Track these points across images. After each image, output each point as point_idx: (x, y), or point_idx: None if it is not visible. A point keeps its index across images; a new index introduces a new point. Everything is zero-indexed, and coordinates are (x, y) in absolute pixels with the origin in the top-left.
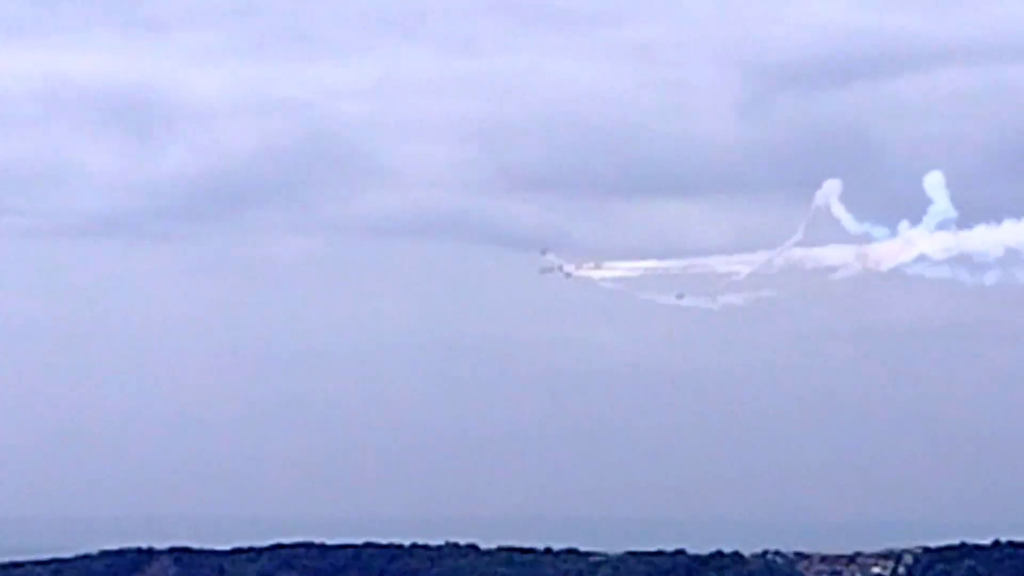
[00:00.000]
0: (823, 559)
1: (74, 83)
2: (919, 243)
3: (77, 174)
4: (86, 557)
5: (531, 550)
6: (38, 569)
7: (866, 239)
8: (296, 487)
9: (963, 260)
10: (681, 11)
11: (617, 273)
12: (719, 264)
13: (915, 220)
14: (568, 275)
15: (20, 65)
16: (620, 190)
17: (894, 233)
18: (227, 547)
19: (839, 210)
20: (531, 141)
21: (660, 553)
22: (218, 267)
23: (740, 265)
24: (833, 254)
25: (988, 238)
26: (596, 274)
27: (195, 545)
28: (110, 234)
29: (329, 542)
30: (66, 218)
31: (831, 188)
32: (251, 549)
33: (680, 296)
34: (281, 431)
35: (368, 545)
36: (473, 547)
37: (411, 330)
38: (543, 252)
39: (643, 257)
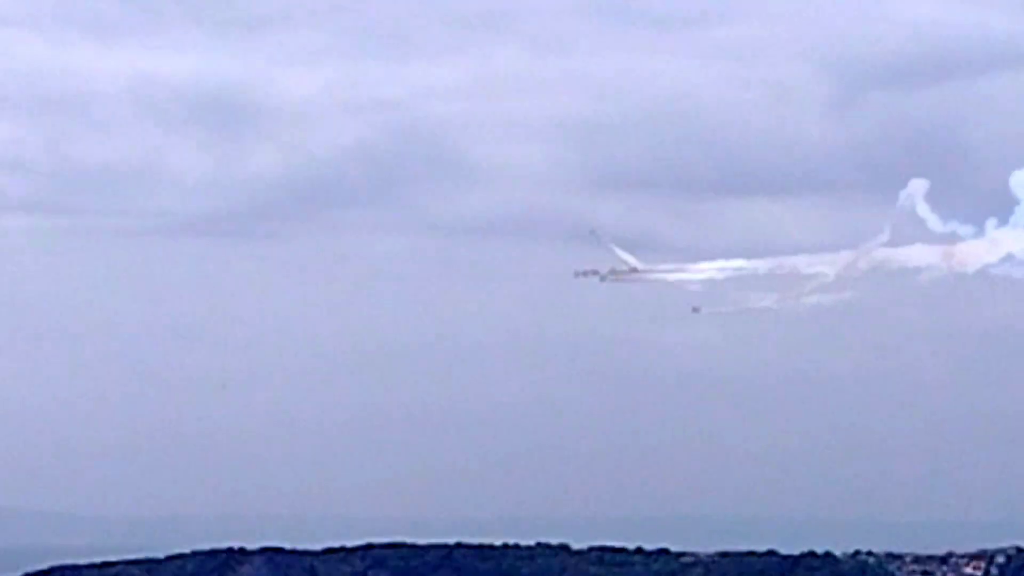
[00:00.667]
0: (915, 559)
1: (166, 84)
2: (1006, 242)
3: (169, 174)
4: (178, 557)
5: (622, 550)
6: (131, 568)
7: (952, 239)
8: (388, 487)
9: None
10: (774, 11)
11: (704, 275)
12: (804, 264)
13: (1003, 219)
14: (603, 278)
15: (112, 66)
16: (712, 189)
17: (981, 232)
18: (318, 547)
19: (924, 210)
20: (624, 140)
21: (751, 554)
22: (309, 265)
23: (825, 265)
24: (919, 254)
25: None
26: (674, 276)
27: (287, 545)
28: (203, 233)
29: (420, 542)
30: (158, 218)
31: (916, 187)
32: (342, 549)
33: (696, 309)
34: (372, 431)
35: (459, 545)
36: (564, 547)
37: (502, 330)
38: (592, 232)
39: (732, 256)
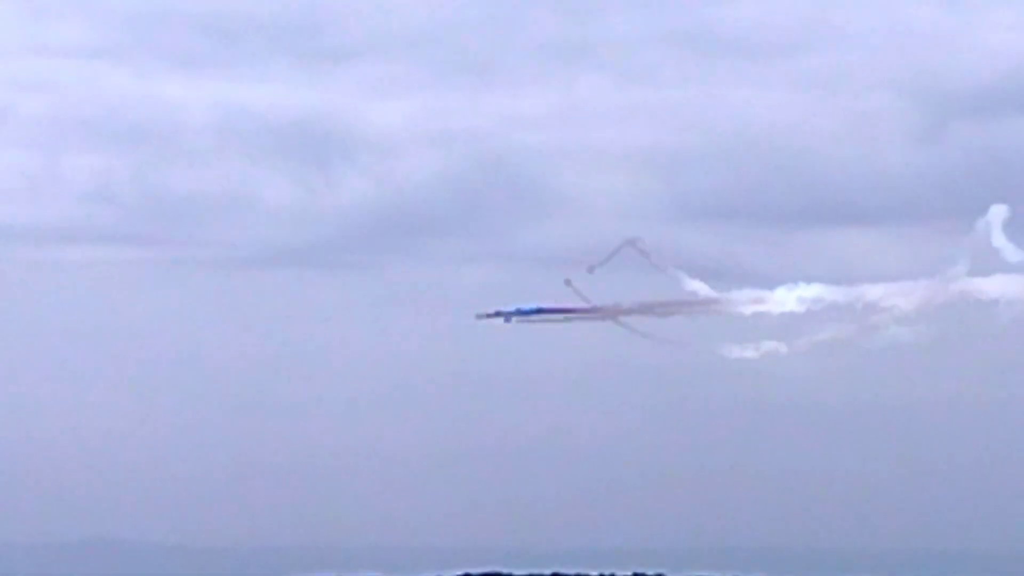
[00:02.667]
0: None
1: (252, 114)
2: None
3: (255, 205)
4: None
5: None
6: None
7: None
8: (483, 516)
9: None
10: (857, 40)
11: (783, 305)
12: (883, 294)
13: None
14: (507, 320)
15: (198, 96)
16: (796, 218)
17: None
18: None
19: (1000, 240)
20: (707, 170)
21: None
22: (396, 295)
23: (904, 295)
24: (997, 285)
25: None
26: (751, 307)
27: (383, 575)
28: (289, 264)
29: (517, 572)
30: (245, 249)
31: (995, 217)
32: None
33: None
34: (467, 461)
35: (555, 575)
36: None
37: (591, 359)
38: (629, 242)
39: (812, 283)
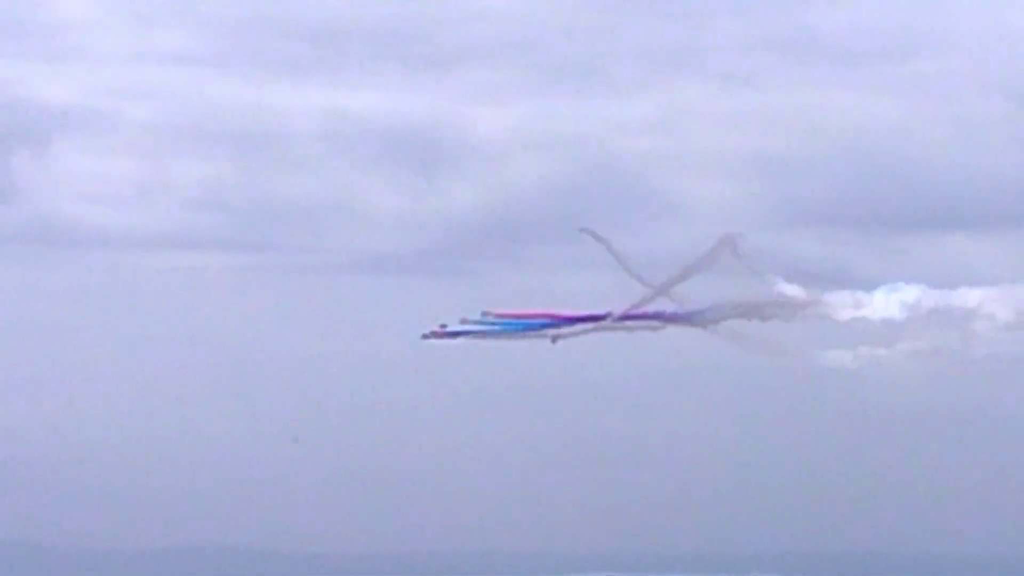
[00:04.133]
0: None
1: (357, 121)
2: None
3: (361, 211)
4: None
5: None
6: None
7: None
8: (595, 521)
9: None
10: (962, 45)
11: (881, 310)
12: (985, 299)
13: None
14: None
15: (303, 103)
16: (902, 224)
17: None
18: None
19: None
20: (813, 175)
21: None
22: (503, 302)
23: (1007, 302)
24: None
25: None
26: (848, 311)
27: None
28: (395, 271)
29: None
30: (351, 255)
31: None
32: None
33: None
34: (578, 466)
35: None
36: None
37: (698, 363)
38: (582, 230)
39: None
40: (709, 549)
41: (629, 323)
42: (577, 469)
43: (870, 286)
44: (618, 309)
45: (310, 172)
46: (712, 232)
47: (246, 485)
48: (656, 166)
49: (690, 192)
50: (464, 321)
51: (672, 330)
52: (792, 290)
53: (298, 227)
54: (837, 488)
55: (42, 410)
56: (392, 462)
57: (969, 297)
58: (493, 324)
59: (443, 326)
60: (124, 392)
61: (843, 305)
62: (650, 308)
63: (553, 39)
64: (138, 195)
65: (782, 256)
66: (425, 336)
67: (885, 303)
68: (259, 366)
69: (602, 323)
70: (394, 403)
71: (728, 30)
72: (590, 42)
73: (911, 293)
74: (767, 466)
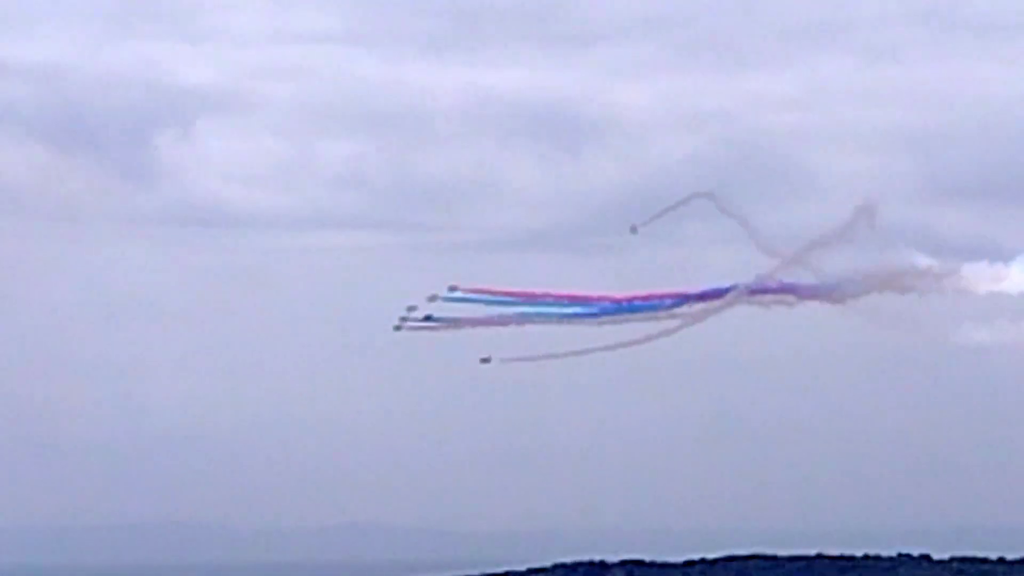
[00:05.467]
0: None
1: (499, 98)
2: None
3: (504, 189)
4: (540, 571)
5: (984, 560)
6: None
7: None
8: (749, 498)
9: None
10: None
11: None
12: None
13: None
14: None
15: (445, 81)
16: None
17: None
18: (679, 559)
19: None
20: (957, 149)
21: None
22: (645, 279)
23: None
24: None
25: None
26: (987, 287)
27: (648, 558)
28: (539, 248)
29: (781, 553)
30: (494, 232)
31: None
32: (703, 561)
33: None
34: (729, 442)
35: (820, 556)
36: (926, 557)
37: (839, 339)
38: (632, 230)
39: None
40: (851, 525)
41: (762, 297)
42: (717, 447)
43: (1011, 259)
44: (746, 281)
45: (452, 150)
46: (855, 206)
47: (400, 464)
48: (797, 141)
49: (831, 167)
50: (433, 298)
51: (808, 306)
52: (928, 262)
53: (440, 205)
54: (976, 464)
55: (194, 390)
56: (539, 441)
57: None
58: (553, 306)
59: (411, 308)
60: (267, 372)
61: (981, 278)
62: (785, 281)
63: (694, 15)
64: (280, 175)
65: (922, 229)
66: (398, 327)
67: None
68: (404, 346)
69: (730, 296)
70: (538, 383)
71: (870, 4)
72: (733, 18)
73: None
74: (904, 443)
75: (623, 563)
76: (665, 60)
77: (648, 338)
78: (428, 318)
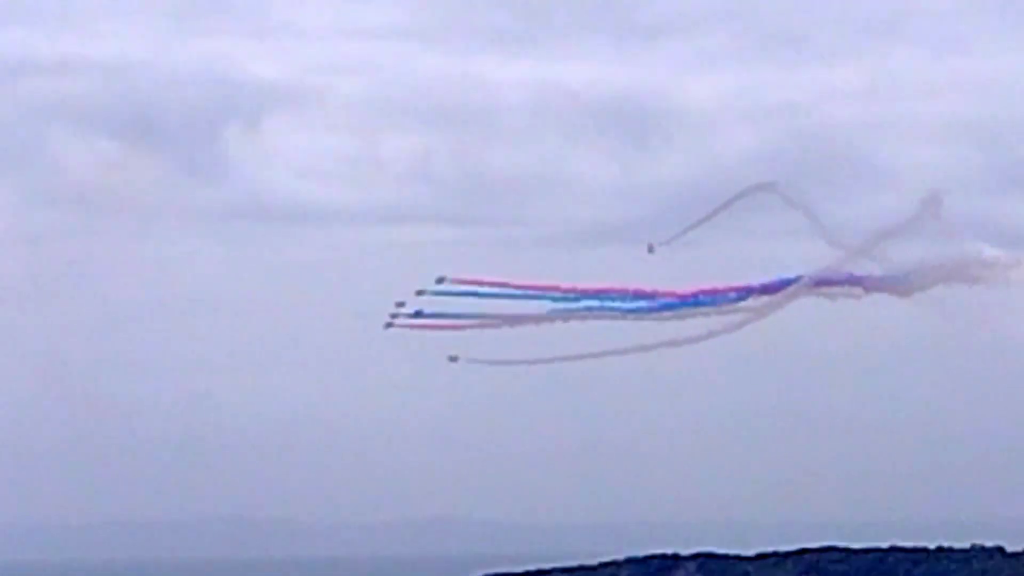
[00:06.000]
0: None
1: (566, 92)
2: None
3: (572, 183)
4: (611, 564)
5: None
6: None
7: None
8: (820, 490)
9: None
10: None
11: None
12: None
13: None
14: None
15: (513, 75)
16: None
17: None
18: (752, 553)
19: None
20: None
21: None
22: (715, 272)
23: None
24: None
25: None
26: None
27: (720, 551)
28: (607, 242)
29: (854, 546)
30: (562, 227)
31: None
32: (775, 554)
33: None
34: (805, 435)
35: (893, 549)
36: (999, 549)
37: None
38: (650, 249)
39: None
40: (924, 517)
41: (828, 289)
42: (788, 440)
43: None
44: (812, 272)
45: (520, 144)
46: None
47: (477, 459)
48: (864, 133)
49: (898, 158)
50: (420, 293)
51: (874, 298)
52: (995, 253)
53: (509, 200)
54: None
55: (263, 385)
56: (611, 436)
57: None
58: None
59: (400, 304)
60: (342, 369)
61: None
62: (852, 272)
63: (761, 8)
64: (349, 170)
65: (989, 220)
66: (389, 324)
67: None
68: (472, 340)
69: (795, 287)
70: (609, 376)
71: None
72: (798, 10)
73: None
74: (975, 435)
75: (695, 556)
76: (732, 53)
77: (711, 334)
78: (418, 313)
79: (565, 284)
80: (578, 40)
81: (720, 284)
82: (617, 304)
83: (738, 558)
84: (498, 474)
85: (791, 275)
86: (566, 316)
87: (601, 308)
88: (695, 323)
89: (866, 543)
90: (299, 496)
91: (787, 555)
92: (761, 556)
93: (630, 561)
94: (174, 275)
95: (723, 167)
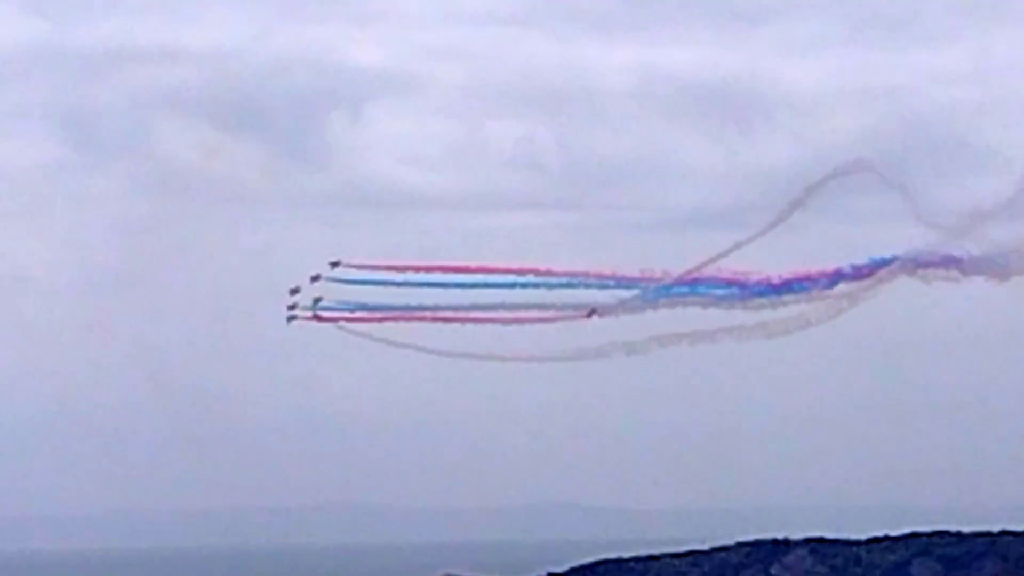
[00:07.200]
0: None
1: (669, 76)
2: None
3: (675, 168)
4: (723, 549)
5: None
6: (675, 562)
7: None
8: (930, 474)
9: None
10: None
11: None
12: None
13: None
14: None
15: (615, 60)
16: None
17: None
18: (863, 536)
19: None
20: None
21: None
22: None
23: None
24: None
25: None
26: None
27: (831, 535)
28: (711, 226)
29: (965, 530)
30: (666, 212)
31: None
32: (887, 538)
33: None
34: (905, 419)
35: (1004, 533)
36: None
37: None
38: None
39: None
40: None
41: (926, 271)
42: (896, 424)
43: None
44: (907, 253)
45: (623, 129)
46: None
47: (588, 445)
48: (968, 115)
49: (1002, 140)
50: (315, 279)
51: (972, 281)
52: None
53: (613, 185)
54: None
55: (368, 372)
56: (721, 422)
57: None
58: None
59: (295, 291)
60: (442, 357)
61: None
62: (949, 253)
63: None
64: (451, 156)
65: None
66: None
67: None
68: (576, 328)
69: (892, 267)
70: (714, 366)
71: None
72: None
73: None
74: None
75: (806, 540)
76: (835, 36)
77: (808, 323)
78: (317, 301)
79: (607, 270)
80: (682, 25)
81: (813, 269)
82: (709, 291)
83: (849, 542)
84: (609, 461)
85: (886, 255)
86: (656, 305)
87: (692, 295)
88: (791, 310)
89: (977, 527)
90: (414, 482)
91: (898, 539)
92: (872, 540)
93: (741, 546)
94: (277, 262)
95: (826, 151)
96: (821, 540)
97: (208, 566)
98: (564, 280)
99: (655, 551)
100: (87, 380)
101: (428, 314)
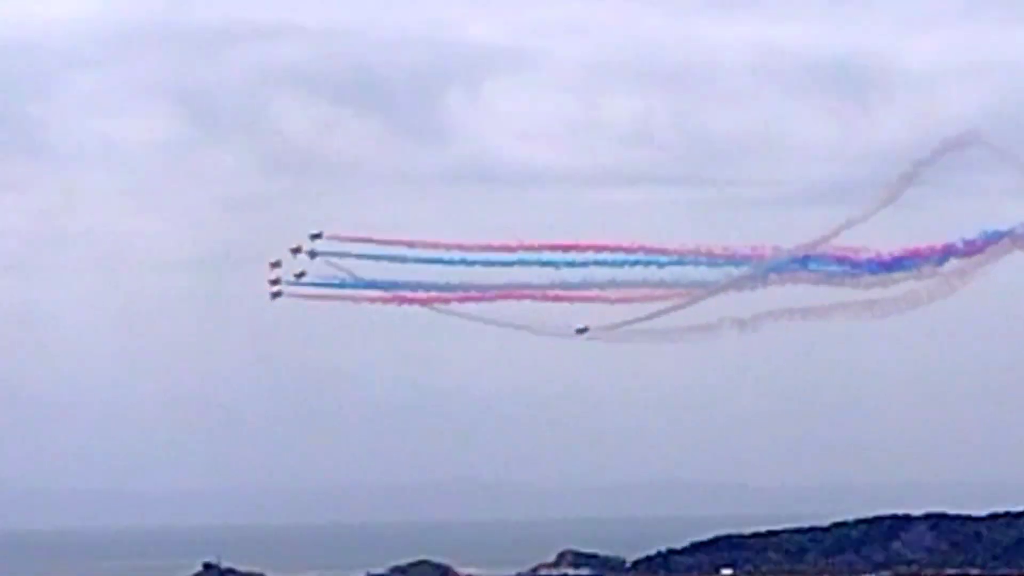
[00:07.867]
0: None
1: (788, 52)
2: None
3: (793, 143)
4: (842, 525)
5: None
6: (796, 537)
7: None
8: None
9: None
10: None
11: None
12: None
13: None
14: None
15: (732, 36)
16: None
17: None
18: (983, 513)
19: None
20: None
21: None
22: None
23: None
24: None
25: None
26: None
27: (951, 511)
28: (831, 202)
29: None
30: (783, 187)
31: None
32: (1007, 514)
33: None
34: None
35: None
36: None
37: None
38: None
39: None
40: None
41: None
42: (1014, 399)
43: None
44: (1020, 228)
45: (741, 105)
46: None
47: (704, 420)
48: None
49: None
50: (296, 251)
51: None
52: None
53: (730, 161)
54: None
55: (487, 350)
56: (839, 398)
57: None
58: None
59: (275, 264)
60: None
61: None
62: None
63: None
64: (570, 132)
65: None
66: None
67: None
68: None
69: (1004, 241)
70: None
71: None
72: None
73: None
74: None
75: (926, 516)
76: (953, 11)
77: (920, 301)
78: (300, 275)
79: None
80: (796, 1)
81: (923, 245)
82: (820, 268)
83: (969, 518)
84: (725, 438)
85: (1001, 227)
86: (766, 281)
87: (803, 271)
88: (901, 287)
89: None
90: (529, 460)
91: (1019, 515)
92: (993, 516)
93: (861, 522)
94: (396, 238)
95: (943, 125)
96: (942, 516)
97: (332, 540)
98: (675, 258)
99: (776, 527)
100: (202, 359)
101: (538, 292)
